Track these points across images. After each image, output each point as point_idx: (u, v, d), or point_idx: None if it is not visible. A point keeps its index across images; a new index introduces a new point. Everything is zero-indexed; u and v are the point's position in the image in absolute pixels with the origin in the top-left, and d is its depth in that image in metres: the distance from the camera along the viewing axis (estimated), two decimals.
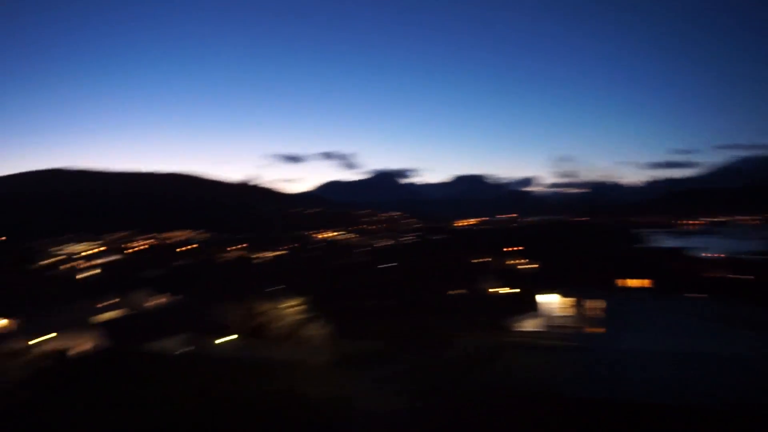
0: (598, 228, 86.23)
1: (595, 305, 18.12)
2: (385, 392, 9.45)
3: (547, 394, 8.78)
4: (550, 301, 19.17)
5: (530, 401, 8.34)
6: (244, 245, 64.26)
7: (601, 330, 15.51)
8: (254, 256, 58.26)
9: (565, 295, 19.16)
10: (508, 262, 41.97)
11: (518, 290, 26.57)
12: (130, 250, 65.84)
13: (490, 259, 43.10)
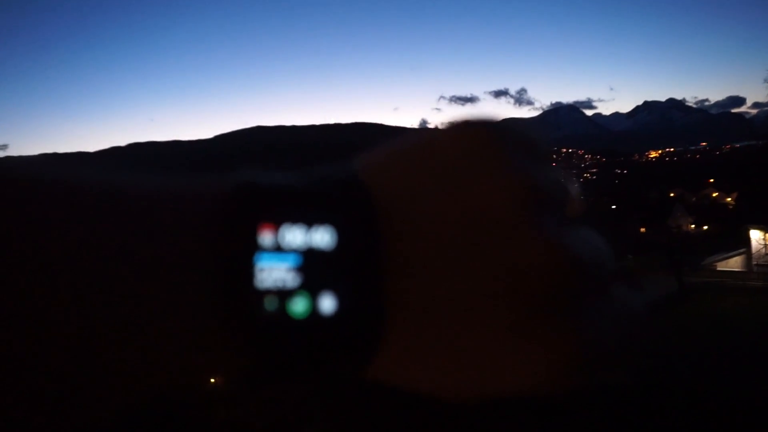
0: None
1: None
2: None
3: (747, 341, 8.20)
4: (757, 238, 17.21)
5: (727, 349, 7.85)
6: None
7: None
8: None
9: None
10: (706, 195, 37.87)
11: (718, 226, 24.07)
12: None
13: (685, 193, 39.24)
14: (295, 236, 0.14)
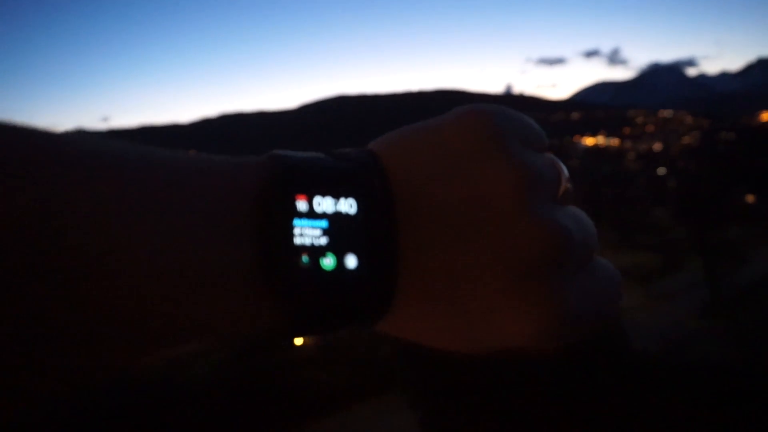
0: None
1: None
2: (668, 309, 9.04)
3: None
4: None
5: None
6: None
7: None
8: None
9: None
10: None
11: None
12: None
13: None
14: (324, 204, 0.17)
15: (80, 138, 0.16)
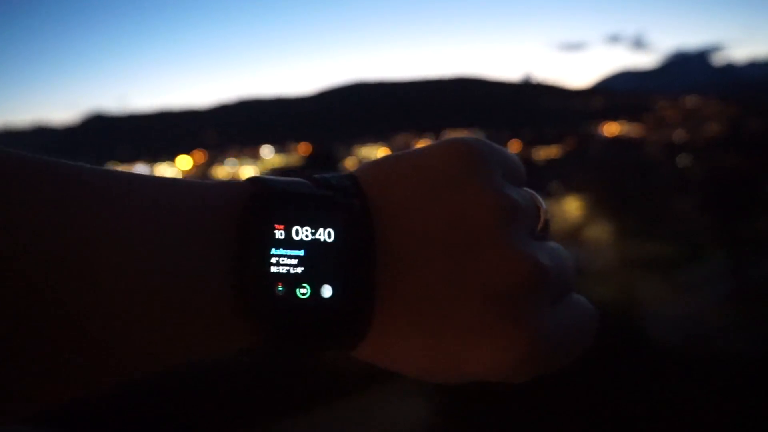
0: None
1: None
2: (691, 300, 8.76)
3: None
4: None
5: None
6: (520, 142, 64.59)
7: None
8: (532, 153, 58.04)
9: None
10: None
11: None
12: None
13: None
14: (302, 233, 0.17)
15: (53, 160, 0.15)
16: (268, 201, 0.17)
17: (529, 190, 0.21)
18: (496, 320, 0.18)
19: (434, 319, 0.18)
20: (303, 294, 0.17)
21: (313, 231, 0.17)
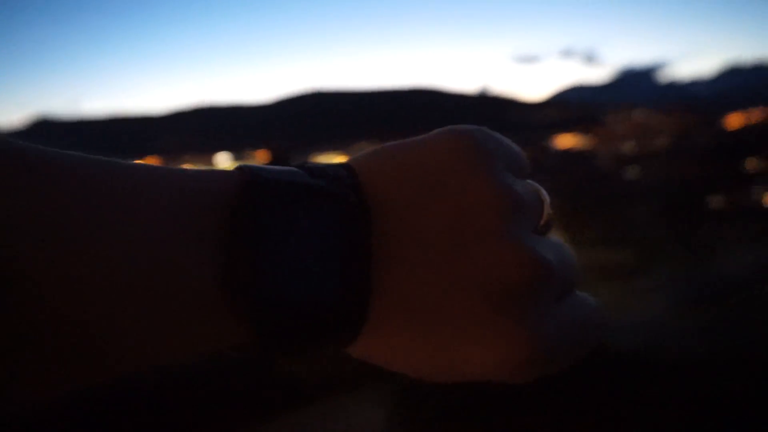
0: None
1: None
2: (649, 304, 8.96)
3: None
4: None
5: None
6: None
7: None
8: None
9: None
10: None
11: None
12: None
13: (765, 162, 36.52)
14: (294, 225, 0.16)
15: (33, 145, 0.14)
16: (259, 190, 0.16)
17: (532, 182, 0.20)
18: (497, 318, 0.17)
19: (432, 315, 0.17)
20: (295, 290, 0.16)
21: (307, 223, 0.16)
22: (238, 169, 0.17)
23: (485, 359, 0.17)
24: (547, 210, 0.20)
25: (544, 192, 0.20)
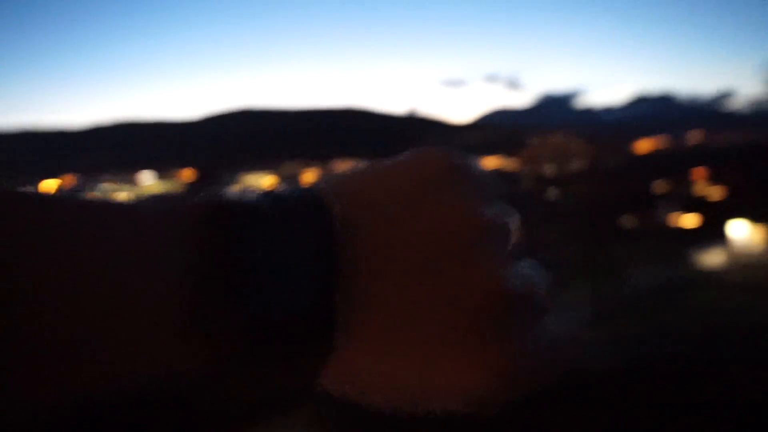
0: None
1: None
2: (558, 321, 9.39)
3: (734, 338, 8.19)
4: (741, 232, 17.28)
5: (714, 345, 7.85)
6: None
7: None
8: None
9: (758, 225, 17.13)
10: (692, 188, 38.17)
11: (703, 218, 24.27)
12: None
13: (671, 184, 39.54)
14: (256, 249, 0.16)
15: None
16: (223, 218, 0.16)
17: (504, 206, 0.20)
18: (472, 340, 0.17)
19: (403, 340, 0.17)
20: (260, 312, 0.16)
21: (269, 247, 0.16)
22: (203, 197, 0.17)
23: (462, 381, 0.17)
24: (518, 233, 0.19)
25: (516, 216, 0.20)
